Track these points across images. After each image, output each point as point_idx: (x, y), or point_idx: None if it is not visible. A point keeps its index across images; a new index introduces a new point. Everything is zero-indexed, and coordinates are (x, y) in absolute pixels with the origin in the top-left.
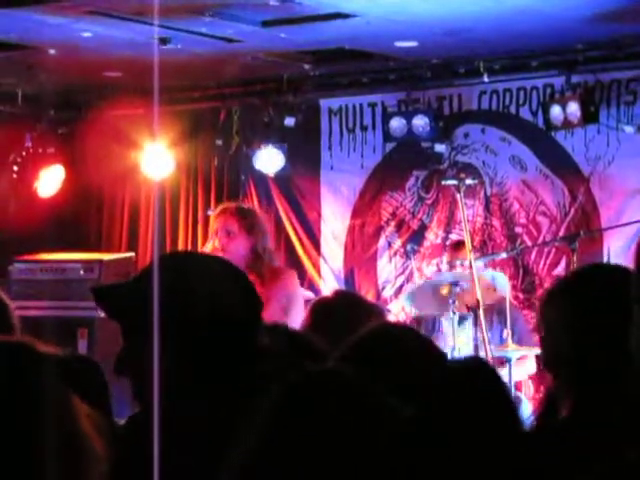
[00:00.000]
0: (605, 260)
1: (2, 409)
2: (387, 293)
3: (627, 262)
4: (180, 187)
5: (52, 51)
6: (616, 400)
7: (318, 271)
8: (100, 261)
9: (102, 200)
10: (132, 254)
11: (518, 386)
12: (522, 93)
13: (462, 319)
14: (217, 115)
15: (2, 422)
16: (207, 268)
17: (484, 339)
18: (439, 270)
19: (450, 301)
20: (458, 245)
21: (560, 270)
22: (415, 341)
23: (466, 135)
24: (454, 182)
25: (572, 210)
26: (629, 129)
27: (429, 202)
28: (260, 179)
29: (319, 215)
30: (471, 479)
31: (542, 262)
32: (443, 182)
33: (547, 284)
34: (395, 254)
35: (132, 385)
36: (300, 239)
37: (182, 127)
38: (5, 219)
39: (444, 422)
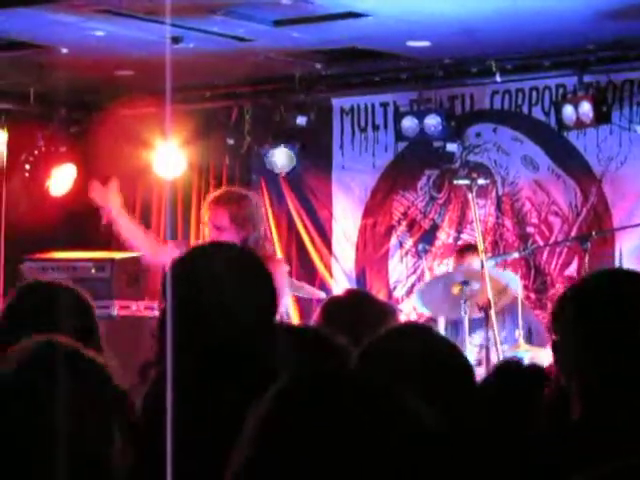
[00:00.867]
0: (617, 260)
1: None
2: (398, 293)
3: (639, 262)
4: (192, 186)
5: (64, 50)
6: (627, 406)
7: (330, 271)
8: (112, 260)
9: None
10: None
11: None
12: (534, 93)
13: (474, 320)
14: (229, 114)
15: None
16: (216, 273)
17: (495, 339)
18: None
19: (462, 301)
20: (463, 251)
21: (572, 270)
22: (439, 341)
23: (478, 135)
24: (466, 182)
25: (584, 210)
26: None
27: (441, 202)
28: (272, 178)
29: (331, 215)
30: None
31: (554, 262)
32: (455, 182)
33: (559, 284)
34: (406, 254)
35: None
36: (312, 239)
37: (194, 126)
38: (17, 218)
39: (471, 425)
